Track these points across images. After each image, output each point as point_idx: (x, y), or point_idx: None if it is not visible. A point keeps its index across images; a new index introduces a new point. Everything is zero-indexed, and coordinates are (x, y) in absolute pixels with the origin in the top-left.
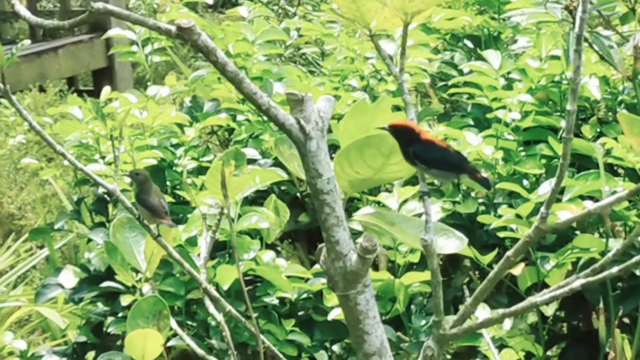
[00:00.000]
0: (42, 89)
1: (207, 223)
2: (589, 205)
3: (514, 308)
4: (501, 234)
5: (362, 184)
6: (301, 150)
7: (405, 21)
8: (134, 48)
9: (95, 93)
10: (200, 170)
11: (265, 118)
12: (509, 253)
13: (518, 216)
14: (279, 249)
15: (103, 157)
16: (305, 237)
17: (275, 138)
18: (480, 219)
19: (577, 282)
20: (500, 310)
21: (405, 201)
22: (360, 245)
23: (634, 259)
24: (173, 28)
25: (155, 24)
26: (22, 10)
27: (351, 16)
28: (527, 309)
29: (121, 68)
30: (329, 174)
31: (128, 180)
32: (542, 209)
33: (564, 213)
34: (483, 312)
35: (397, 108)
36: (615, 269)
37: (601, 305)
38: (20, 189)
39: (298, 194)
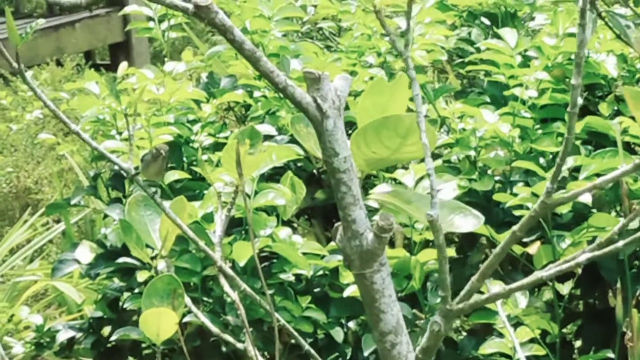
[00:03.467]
0: (59, 63)
1: (223, 200)
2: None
3: (519, 282)
4: (517, 212)
5: (379, 163)
6: (318, 129)
7: None
8: (151, 24)
9: (112, 67)
10: (217, 147)
11: (282, 95)
12: (514, 228)
13: (534, 194)
14: (295, 225)
15: (120, 133)
16: (322, 213)
17: (291, 116)
18: (496, 197)
19: (583, 256)
20: (507, 286)
21: (421, 178)
22: (377, 224)
23: (638, 234)
24: (190, 6)
25: (172, 2)
26: None
27: None
28: (533, 283)
29: (138, 43)
30: (345, 152)
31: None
32: (548, 184)
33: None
34: (498, 289)
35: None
36: (620, 243)
37: (618, 284)
38: (37, 163)
39: (314, 171)
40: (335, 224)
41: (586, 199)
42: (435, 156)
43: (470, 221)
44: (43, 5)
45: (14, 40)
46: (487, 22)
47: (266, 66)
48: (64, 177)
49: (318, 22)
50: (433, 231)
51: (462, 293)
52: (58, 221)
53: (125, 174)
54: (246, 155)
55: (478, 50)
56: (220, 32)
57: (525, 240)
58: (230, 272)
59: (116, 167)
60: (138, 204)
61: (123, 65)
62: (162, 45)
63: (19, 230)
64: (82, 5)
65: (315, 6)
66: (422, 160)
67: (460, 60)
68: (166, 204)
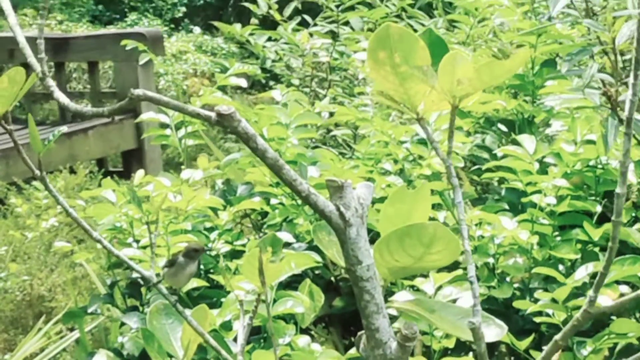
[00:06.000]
0: (72, 171)
1: (244, 308)
2: (626, 290)
3: None
4: (537, 319)
5: (402, 272)
6: (341, 237)
7: (453, 104)
8: (168, 131)
9: (124, 174)
10: (234, 254)
11: (299, 202)
12: (557, 337)
13: (554, 301)
14: (312, 333)
15: (137, 241)
16: (340, 321)
17: (313, 225)
18: (516, 304)
19: None
20: None
21: (440, 287)
22: (401, 333)
23: None
24: (213, 115)
25: (195, 111)
26: (62, 97)
27: (398, 99)
28: None
29: (151, 149)
30: (368, 261)
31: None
32: (591, 292)
33: (603, 298)
34: None
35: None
36: None
37: None
38: (50, 271)
39: (332, 278)
40: (359, 333)
41: (607, 304)
42: (454, 264)
43: (493, 331)
44: (56, 113)
45: (37, 147)
46: (504, 128)
47: (289, 174)
48: (77, 285)
49: (331, 128)
50: (475, 339)
51: None
52: (72, 329)
53: (144, 280)
54: (268, 264)
55: (494, 156)
56: (242, 140)
57: (544, 347)
58: None
59: (133, 275)
60: (159, 313)
61: (140, 173)
62: (175, 152)
63: (32, 338)
64: (105, 115)
65: (332, 114)
66: (441, 268)
67: (477, 167)
68: (186, 312)
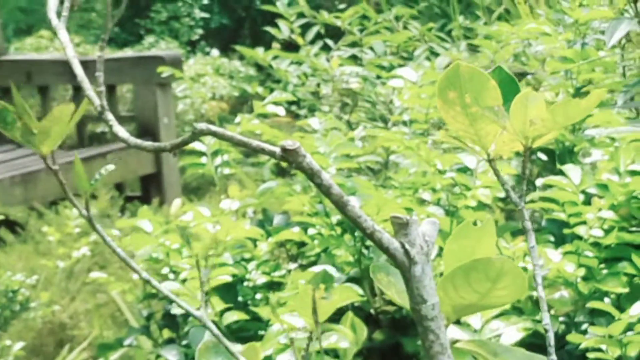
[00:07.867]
0: (93, 196)
1: (288, 343)
2: None
3: None
4: (591, 355)
5: (466, 310)
6: (405, 275)
7: (525, 145)
8: (203, 159)
9: (143, 199)
10: (271, 286)
11: (339, 232)
12: None
13: (610, 336)
14: None
15: (175, 273)
16: (379, 354)
17: (372, 266)
18: (569, 338)
19: None
20: None
21: (487, 321)
22: None
23: None
24: (277, 150)
25: (259, 146)
26: (121, 131)
27: (469, 140)
28: None
29: (169, 174)
30: (433, 299)
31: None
32: None
33: None
34: None
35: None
36: None
37: None
38: (72, 298)
39: (371, 311)
40: None
41: None
42: None
43: None
44: (72, 136)
45: (83, 186)
46: (544, 157)
47: (353, 211)
48: (99, 312)
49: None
50: None
51: None
52: (95, 358)
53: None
54: (320, 300)
55: (533, 186)
56: (307, 176)
57: None
58: None
59: (169, 307)
60: (208, 351)
61: (176, 203)
62: (192, 177)
63: None
64: (167, 149)
65: (364, 138)
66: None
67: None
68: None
